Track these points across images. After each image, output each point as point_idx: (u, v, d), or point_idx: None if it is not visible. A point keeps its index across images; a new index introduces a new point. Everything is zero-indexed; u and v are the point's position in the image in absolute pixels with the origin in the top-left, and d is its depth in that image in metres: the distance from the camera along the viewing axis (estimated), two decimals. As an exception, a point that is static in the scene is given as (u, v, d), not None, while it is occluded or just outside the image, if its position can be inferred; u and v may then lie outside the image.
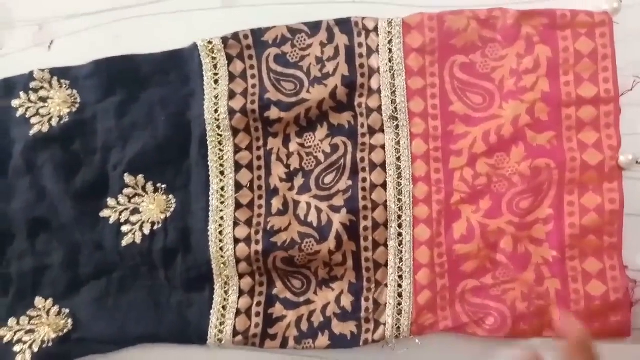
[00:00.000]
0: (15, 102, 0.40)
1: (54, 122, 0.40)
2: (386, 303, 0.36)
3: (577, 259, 0.36)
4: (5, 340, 0.38)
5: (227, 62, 0.39)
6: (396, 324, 0.36)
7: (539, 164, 0.36)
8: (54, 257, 0.39)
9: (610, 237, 0.35)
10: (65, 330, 0.38)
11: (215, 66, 0.39)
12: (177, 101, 0.40)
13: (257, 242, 0.37)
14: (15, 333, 0.38)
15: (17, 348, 0.37)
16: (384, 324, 0.36)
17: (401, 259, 0.37)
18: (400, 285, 0.36)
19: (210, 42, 0.39)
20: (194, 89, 0.40)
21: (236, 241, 0.38)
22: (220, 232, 0.38)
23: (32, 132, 0.39)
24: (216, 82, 0.39)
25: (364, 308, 0.37)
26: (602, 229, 0.35)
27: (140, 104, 0.40)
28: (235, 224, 0.38)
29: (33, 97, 0.40)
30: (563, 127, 0.36)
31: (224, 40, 0.39)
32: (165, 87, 0.40)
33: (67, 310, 0.38)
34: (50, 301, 0.38)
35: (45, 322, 0.38)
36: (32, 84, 0.40)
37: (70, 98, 0.40)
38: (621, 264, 0.35)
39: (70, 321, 0.38)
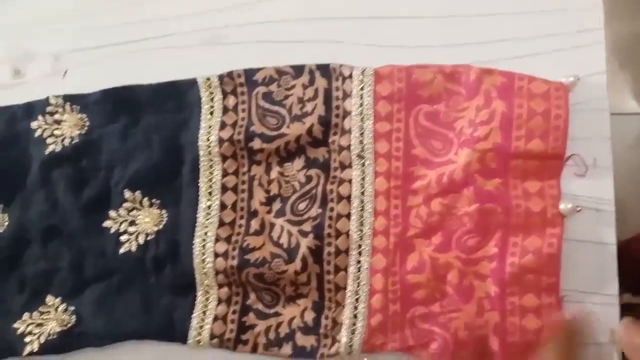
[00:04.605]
0: (33, 124, 0.46)
1: (66, 143, 0.45)
2: (342, 322, 0.41)
3: (516, 295, 0.39)
4: (19, 331, 0.44)
5: (222, 96, 0.44)
6: (349, 342, 0.40)
7: (487, 208, 0.39)
8: (63, 261, 0.45)
9: (548, 278, 0.39)
10: (68, 325, 0.43)
11: (211, 99, 0.44)
12: (172, 127, 0.45)
13: (233, 258, 0.42)
14: (27, 326, 0.44)
15: (27, 339, 0.43)
16: (339, 341, 0.41)
17: (359, 284, 0.41)
18: (356, 308, 0.41)
19: (208, 79, 0.44)
20: (188, 118, 0.45)
21: (216, 255, 0.43)
22: (203, 247, 0.43)
23: (47, 151, 0.45)
24: (211, 113, 0.44)
25: (324, 325, 0.41)
26: (540, 269, 0.39)
27: (139, 128, 0.45)
28: (217, 239, 0.43)
29: (49, 119, 0.46)
30: (509, 175, 0.39)
31: (220, 77, 0.44)
32: (161, 114, 0.45)
33: (73, 308, 0.44)
34: (59, 299, 0.44)
35: (53, 317, 0.44)
36: (48, 108, 0.46)
37: (80, 121, 0.46)
38: (558, 303, 0.39)
39: (74, 317, 0.44)
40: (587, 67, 0.40)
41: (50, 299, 0.44)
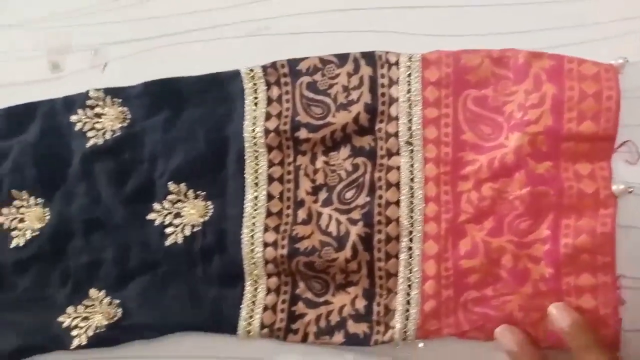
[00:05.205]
0: (73, 118, 0.46)
1: (107, 136, 0.45)
2: (395, 309, 0.41)
3: (572, 275, 0.39)
4: (64, 325, 0.43)
5: (266, 87, 0.44)
6: (404, 328, 0.40)
7: (539, 191, 0.40)
8: (107, 254, 0.44)
9: (603, 257, 0.39)
10: (115, 318, 0.43)
11: (255, 91, 0.44)
12: (215, 119, 0.45)
13: (282, 247, 0.42)
14: (72, 319, 0.43)
15: (74, 332, 0.43)
16: (393, 328, 0.41)
17: (410, 270, 0.41)
18: (408, 294, 0.41)
19: (251, 70, 0.44)
20: (231, 109, 0.45)
21: (265, 245, 0.43)
22: (252, 236, 0.43)
23: (88, 144, 0.45)
24: (256, 104, 0.44)
25: (376, 312, 0.41)
26: (595, 249, 0.39)
27: (182, 120, 0.45)
28: (265, 229, 0.43)
29: (89, 113, 0.45)
30: (561, 158, 0.40)
31: (264, 68, 0.44)
32: (203, 106, 0.45)
33: (118, 301, 0.44)
34: (103, 292, 0.44)
35: (99, 310, 0.43)
36: (89, 102, 0.45)
37: (121, 114, 0.45)
38: (614, 282, 0.39)
39: (120, 310, 0.43)
40: (635, 54, 0.40)
41: (93, 292, 0.44)
